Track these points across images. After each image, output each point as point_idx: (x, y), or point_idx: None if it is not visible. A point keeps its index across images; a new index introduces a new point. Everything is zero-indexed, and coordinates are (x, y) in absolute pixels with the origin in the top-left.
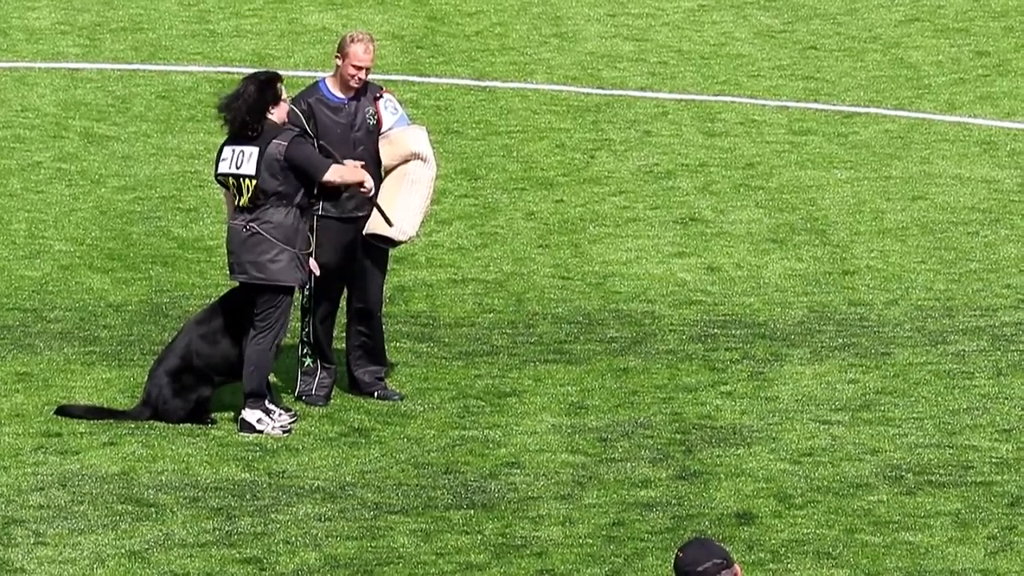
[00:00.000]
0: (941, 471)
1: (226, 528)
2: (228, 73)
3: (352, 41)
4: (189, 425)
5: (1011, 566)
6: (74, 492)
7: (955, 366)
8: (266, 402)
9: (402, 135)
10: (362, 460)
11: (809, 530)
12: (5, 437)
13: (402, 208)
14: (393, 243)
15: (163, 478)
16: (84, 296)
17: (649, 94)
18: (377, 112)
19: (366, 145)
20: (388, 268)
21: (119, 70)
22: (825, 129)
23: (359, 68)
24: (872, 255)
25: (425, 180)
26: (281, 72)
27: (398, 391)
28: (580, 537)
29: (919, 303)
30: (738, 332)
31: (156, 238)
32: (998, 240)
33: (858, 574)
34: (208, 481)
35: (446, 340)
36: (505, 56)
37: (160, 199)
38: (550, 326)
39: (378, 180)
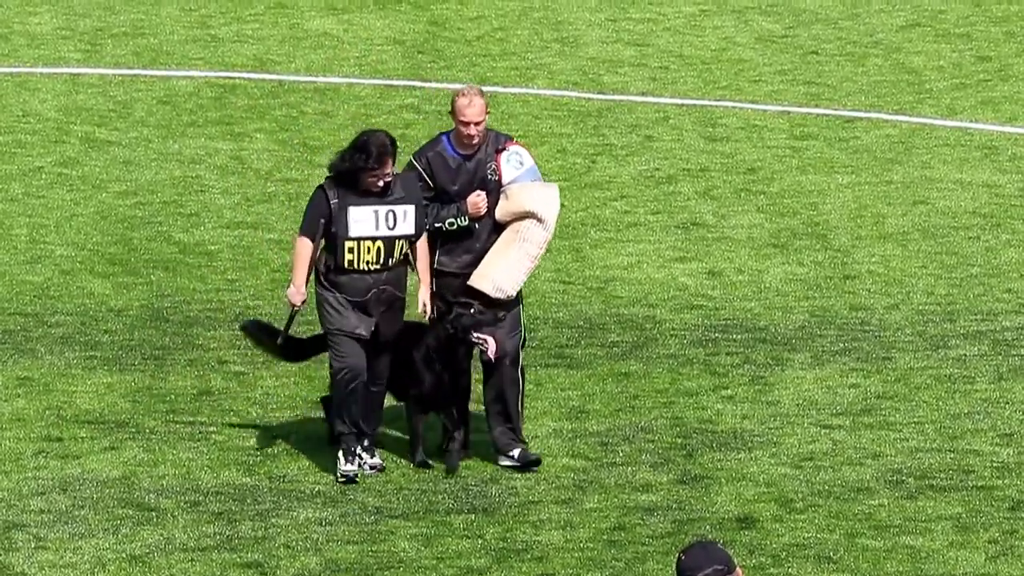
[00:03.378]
0: (942, 475)
1: (227, 532)
2: (229, 78)
3: (458, 96)
4: (190, 429)
5: (1012, 570)
6: (75, 497)
7: (956, 371)
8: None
9: (519, 192)
10: (364, 466)
11: (810, 534)
12: (6, 441)
13: (505, 265)
14: (490, 299)
15: (164, 482)
16: (85, 301)
17: (650, 99)
18: (498, 166)
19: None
20: (521, 323)
21: (120, 75)
22: (826, 134)
23: (466, 123)
24: (873, 260)
25: (537, 241)
26: (283, 77)
27: (535, 454)
28: (581, 541)
29: (920, 308)
30: (739, 336)
31: (157, 243)
32: (999, 245)
33: None
34: (209, 485)
35: None
36: (506, 61)
37: (161, 204)
38: (551, 330)
39: (495, 234)
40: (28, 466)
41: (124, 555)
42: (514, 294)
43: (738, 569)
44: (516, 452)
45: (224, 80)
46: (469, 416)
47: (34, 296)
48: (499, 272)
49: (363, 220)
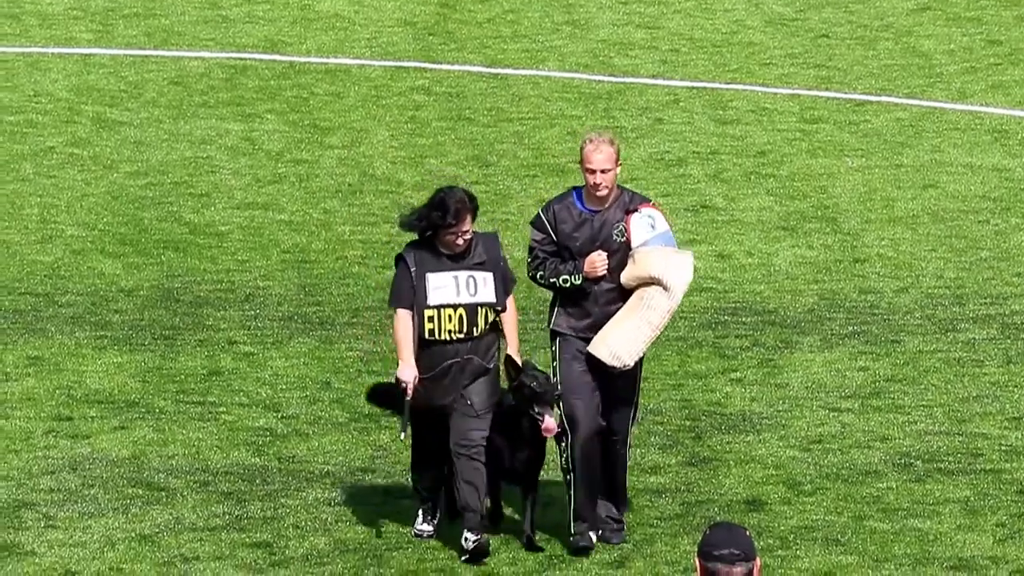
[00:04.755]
0: (950, 459)
1: (236, 512)
2: (240, 59)
3: (586, 142)
4: (200, 409)
5: (1020, 553)
6: (85, 476)
7: (965, 354)
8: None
9: (648, 256)
10: (371, 446)
11: (818, 517)
12: (17, 421)
13: (625, 333)
14: (610, 367)
15: (173, 462)
16: (96, 281)
17: (661, 82)
18: (628, 227)
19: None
20: (636, 400)
21: (131, 56)
22: (836, 117)
23: (592, 171)
24: (883, 243)
25: (660, 309)
26: (293, 58)
27: (624, 534)
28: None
29: (929, 291)
30: (748, 319)
31: (168, 223)
32: (1009, 228)
33: (866, 560)
34: (218, 466)
35: None
36: (517, 43)
37: (172, 184)
38: None
39: (618, 295)
40: (38, 445)
41: (133, 534)
42: (631, 364)
43: (757, 559)
44: (616, 539)
45: (235, 61)
46: (537, 494)
47: (45, 276)
48: (618, 340)
49: (443, 287)
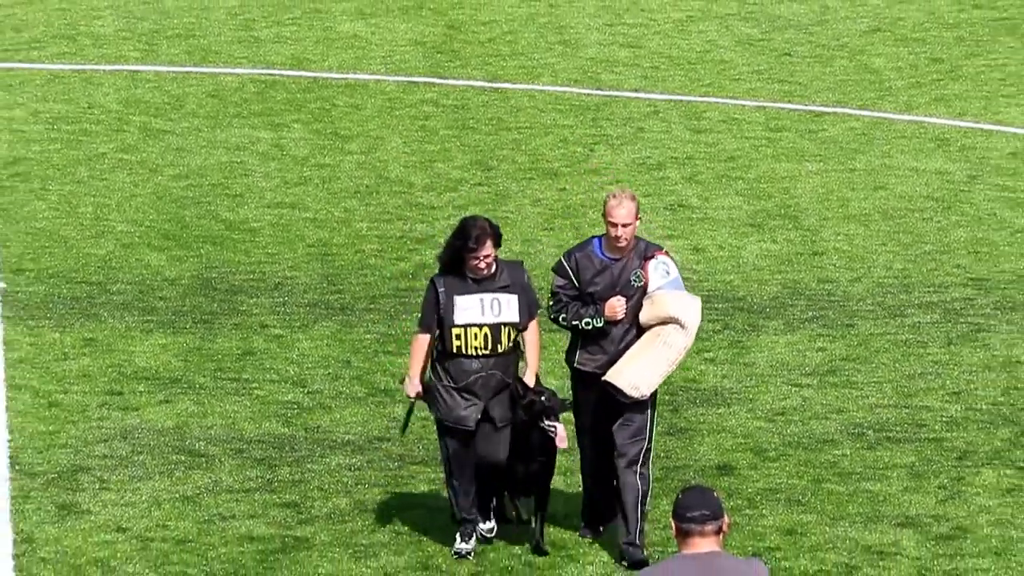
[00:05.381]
0: (898, 428)
1: (267, 476)
2: (270, 75)
3: (610, 197)
4: (235, 385)
5: (958, 512)
6: (134, 444)
7: (911, 336)
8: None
9: (664, 299)
10: (387, 418)
11: (781, 480)
12: (74, 395)
13: (643, 365)
14: (625, 395)
15: (212, 432)
16: (143, 271)
17: (642, 95)
18: (645, 273)
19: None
20: (648, 430)
21: (174, 72)
22: (798, 126)
23: (614, 224)
24: (839, 238)
25: (677, 346)
26: (316, 74)
27: (644, 553)
28: (578, 486)
29: (880, 280)
30: (720, 306)
31: (206, 220)
32: (949, 225)
33: (824, 519)
34: (252, 435)
35: None
36: (515, 61)
37: (210, 186)
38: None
39: (634, 336)
40: (93, 417)
41: (177, 495)
42: (648, 394)
43: (726, 516)
44: (627, 559)
45: (265, 77)
46: (546, 503)
47: (98, 267)
48: (636, 371)
49: (469, 308)
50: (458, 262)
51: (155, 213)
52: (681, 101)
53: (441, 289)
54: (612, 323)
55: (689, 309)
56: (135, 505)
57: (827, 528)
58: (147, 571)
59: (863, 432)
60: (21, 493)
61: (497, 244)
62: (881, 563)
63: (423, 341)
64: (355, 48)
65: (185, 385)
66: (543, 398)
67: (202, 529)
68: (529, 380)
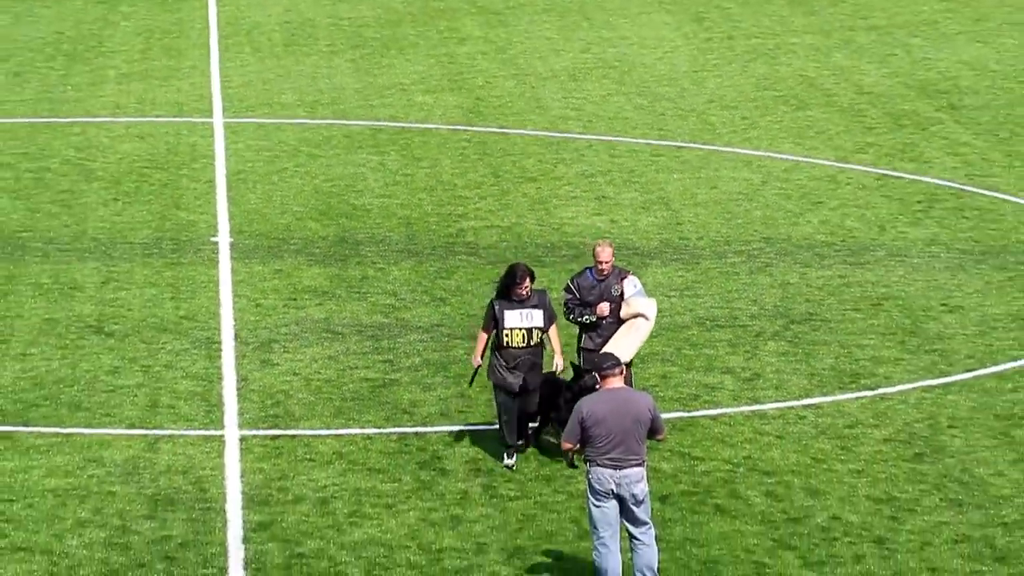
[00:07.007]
0: (722, 320)
1: (374, 345)
2: (378, 125)
3: (596, 244)
4: (357, 295)
5: (755, 365)
6: (301, 326)
7: (729, 269)
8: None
9: (635, 302)
10: (459, 314)
11: (657, 350)
12: (270, 300)
13: (623, 344)
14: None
15: (345, 320)
16: (307, 232)
17: (582, 136)
18: (621, 287)
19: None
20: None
21: (324, 124)
22: (669, 154)
23: (600, 263)
24: (692, 215)
25: (644, 331)
26: (403, 124)
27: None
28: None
29: (713, 238)
30: (625, 252)
31: (343, 205)
32: (751, 208)
33: (681, 371)
34: (367, 323)
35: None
36: (513, 116)
37: (344, 186)
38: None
39: (615, 326)
40: (279, 311)
41: (326, 356)
42: (628, 360)
43: (623, 366)
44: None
45: (375, 126)
46: (545, 426)
47: (284, 230)
48: (619, 348)
49: (513, 318)
50: (507, 289)
51: (315, 200)
52: (605, 140)
53: (496, 307)
54: (601, 319)
55: (650, 308)
56: (303, 362)
57: (684, 375)
58: (309, 397)
59: (703, 321)
60: (241, 353)
61: (532, 280)
62: (712, 394)
63: (484, 336)
64: (424, 109)
65: (329, 296)
66: (587, 378)
67: (339, 374)
68: (557, 360)
